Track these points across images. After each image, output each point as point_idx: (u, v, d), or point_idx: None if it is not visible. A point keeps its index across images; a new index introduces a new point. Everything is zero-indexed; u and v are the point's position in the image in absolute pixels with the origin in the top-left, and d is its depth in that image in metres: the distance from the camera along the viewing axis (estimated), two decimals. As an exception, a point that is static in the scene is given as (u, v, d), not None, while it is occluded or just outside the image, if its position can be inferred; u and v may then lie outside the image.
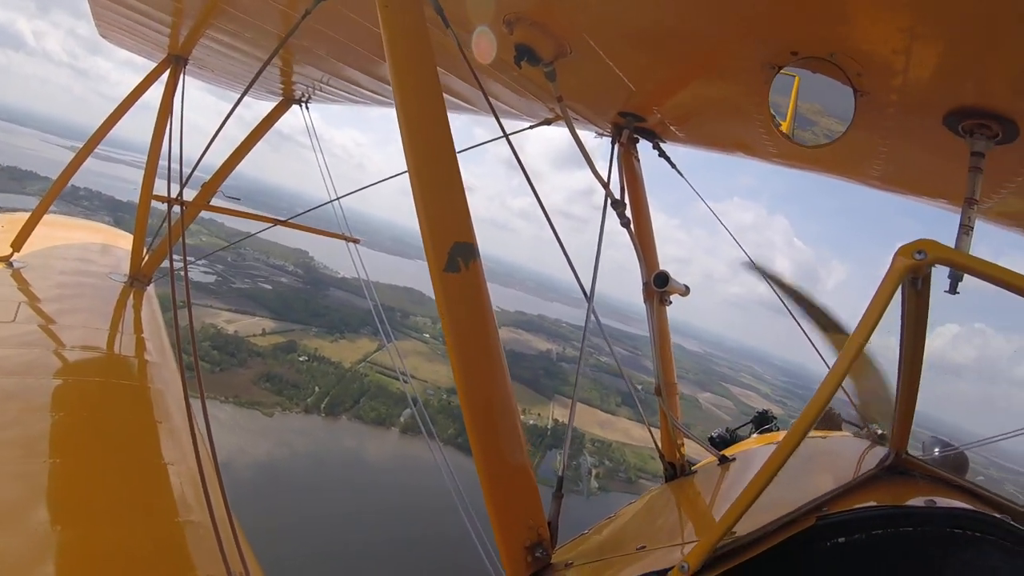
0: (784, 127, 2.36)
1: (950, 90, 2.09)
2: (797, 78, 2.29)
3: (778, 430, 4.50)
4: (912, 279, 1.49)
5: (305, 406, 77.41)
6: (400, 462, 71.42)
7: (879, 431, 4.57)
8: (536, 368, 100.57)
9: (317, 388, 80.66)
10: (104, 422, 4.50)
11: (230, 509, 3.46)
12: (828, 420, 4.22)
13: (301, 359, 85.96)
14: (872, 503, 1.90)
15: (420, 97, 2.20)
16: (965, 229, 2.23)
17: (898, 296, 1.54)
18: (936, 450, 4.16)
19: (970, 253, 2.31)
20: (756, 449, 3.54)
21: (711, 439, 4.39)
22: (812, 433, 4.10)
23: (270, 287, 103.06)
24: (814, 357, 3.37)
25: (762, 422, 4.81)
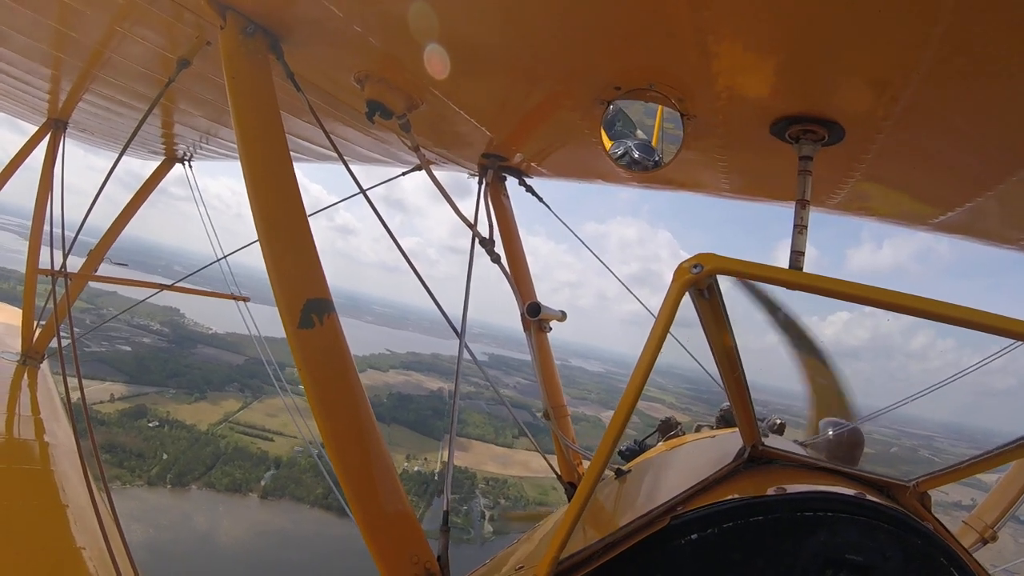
0: (621, 156, 2.52)
1: (771, 102, 2.24)
2: (632, 108, 2.46)
3: (683, 434, 4.66)
4: (697, 290, 1.57)
5: (148, 478, 67.29)
6: (258, 535, 63.89)
7: (778, 421, 4.77)
8: (423, 409, 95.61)
9: (165, 456, 71.41)
10: (10, 510, 4.26)
11: None
12: (727, 419, 4.39)
13: (151, 425, 76.23)
14: (729, 497, 1.92)
15: (267, 160, 2.24)
16: (799, 228, 2.39)
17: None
18: (830, 431, 4.39)
19: (802, 252, 2.52)
20: (654, 457, 3.65)
21: (620, 452, 4.50)
22: (705, 433, 4.22)
23: (129, 348, 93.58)
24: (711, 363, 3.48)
25: (667, 429, 4.97)
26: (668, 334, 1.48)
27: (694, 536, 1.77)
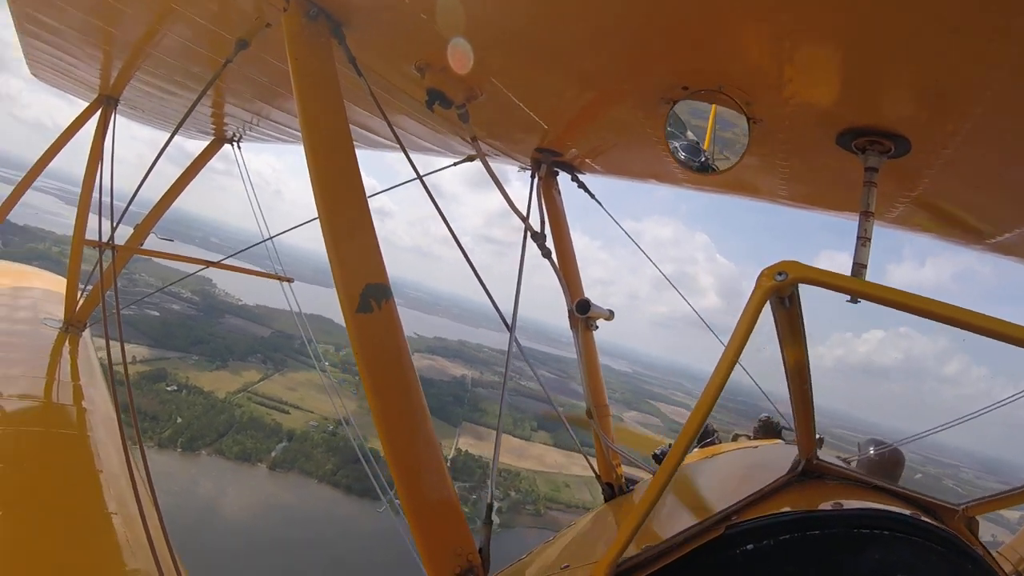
0: (684, 157, 2.48)
1: (839, 112, 2.21)
2: (697, 109, 2.42)
3: (720, 442, 4.61)
4: (778, 298, 1.55)
5: (159, 440, 67.86)
6: (263, 507, 64.12)
7: (817, 436, 4.72)
8: (444, 395, 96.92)
9: (179, 420, 72.58)
10: (45, 474, 4.37)
11: (176, 556, 3.38)
12: (767, 428, 4.35)
13: (168, 389, 77.48)
14: (784, 509, 1.93)
15: (329, 144, 2.25)
16: (863, 241, 2.37)
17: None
18: (871, 449, 4.33)
19: (865, 264, 2.47)
20: (694, 464, 3.62)
21: (655, 455, 4.48)
22: (746, 443, 4.20)
23: (157, 314, 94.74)
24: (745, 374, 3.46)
25: (703, 436, 4.92)
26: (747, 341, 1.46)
27: (749, 546, 1.76)
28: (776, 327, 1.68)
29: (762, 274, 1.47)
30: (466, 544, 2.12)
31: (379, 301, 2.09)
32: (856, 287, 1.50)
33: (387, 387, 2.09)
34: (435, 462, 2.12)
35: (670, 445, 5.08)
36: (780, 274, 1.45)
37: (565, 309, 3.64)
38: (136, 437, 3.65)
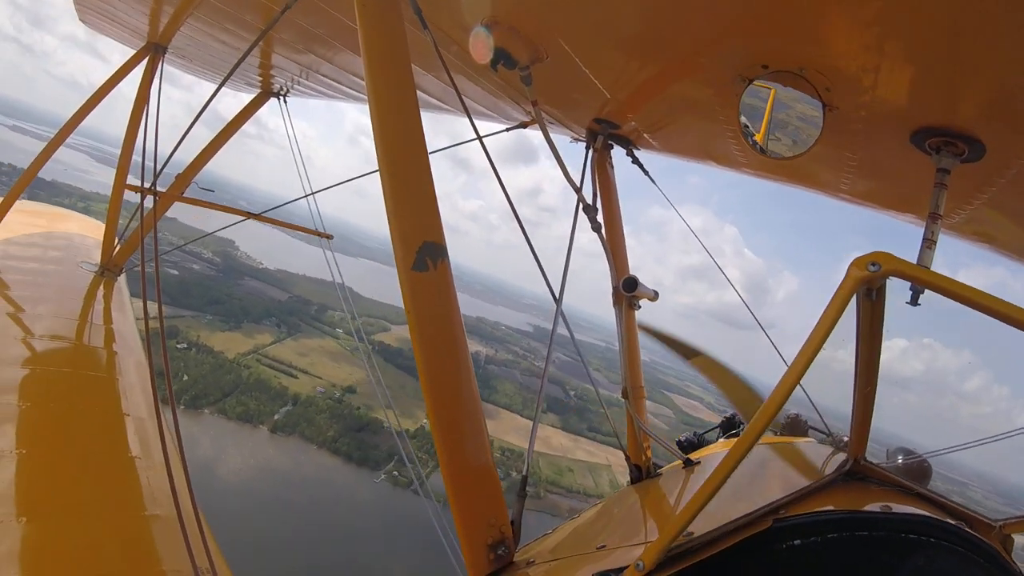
0: (757, 138, 2.40)
1: (917, 108, 2.15)
2: (772, 91, 2.33)
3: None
4: (867, 290, 1.51)
5: (162, 396, 69.54)
6: (259, 469, 64.02)
7: (844, 438, 4.66)
8: None
9: (185, 377, 72.80)
10: (71, 414, 4.44)
11: (196, 504, 3.43)
12: (794, 426, 4.30)
13: (179, 346, 77.19)
14: (829, 507, 1.93)
15: (394, 97, 2.20)
16: (928, 243, 2.30)
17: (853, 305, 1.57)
18: (900, 458, 4.27)
19: (929, 267, 2.39)
20: (722, 453, 3.59)
21: (679, 443, 4.45)
22: (776, 439, 4.15)
23: (176, 272, 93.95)
24: (762, 368, 3.40)
25: (730, 427, 4.88)
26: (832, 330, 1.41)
27: (796, 542, 1.73)
28: (857, 320, 1.64)
29: (853, 263, 1.42)
30: (500, 515, 2.11)
31: (435, 260, 2.06)
32: (946, 285, 1.43)
33: (436, 347, 2.07)
34: (478, 427, 2.10)
35: (695, 433, 5.05)
36: (873, 264, 1.40)
37: (586, 291, 3.58)
38: (167, 384, 3.69)
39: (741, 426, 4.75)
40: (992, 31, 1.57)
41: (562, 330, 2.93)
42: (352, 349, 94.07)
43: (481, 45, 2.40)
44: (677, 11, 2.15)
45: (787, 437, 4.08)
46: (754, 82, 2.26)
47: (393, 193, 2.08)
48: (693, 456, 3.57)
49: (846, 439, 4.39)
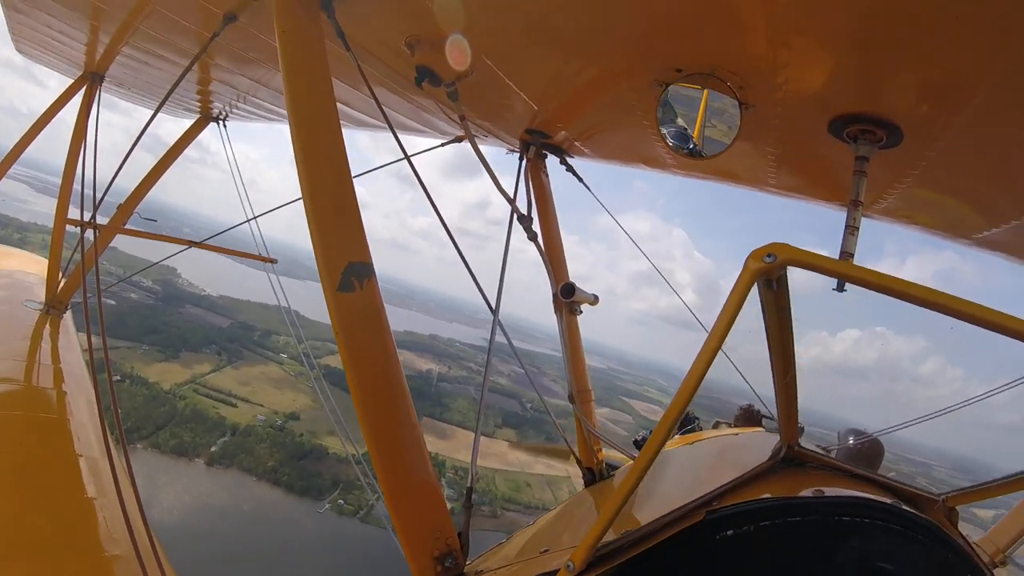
0: (675, 141, 2.46)
1: (832, 99, 2.20)
2: (690, 92, 2.40)
3: (701, 429, 4.64)
4: (766, 281, 1.52)
5: (114, 432, 66.58)
6: (193, 507, 58.50)
7: (800, 426, 4.77)
8: None
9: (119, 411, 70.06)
10: (26, 458, 4.31)
11: (155, 542, 3.36)
12: (747, 417, 4.39)
13: (114, 379, 74.19)
14: (765, 495, 1.93)
15: (315, 119, 2.20)
16: (851, 230, 2.36)
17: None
18: (850, 439, 4.39)
19: (852, 253, 2.47)
20: (676, 450, 3.63)
21: (635, 442, 4.49)
22: (728, 431, 4.22)
23: (113, 302, 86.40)
24: (720, 367, 3.45)
25: (685, 423, 4.96)
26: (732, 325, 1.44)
27: (730, 532, 1.76)
28: (763, 311, 1.66)
29: (750, 256, 1.44)
30: (446, 527, 2.10)
31: (361, 280, 2.06)
32: (846, 271, 1.47)
33: (367, 367, 2.06)
34: (415, 444, 2.10)
35: (651, 432, 5.11)
36: (769, 255, 1.42)
37: (538, 304, 3.63)
38: (117, 424, 3.61)
39: (696, 421, 4.83)
40: (900, 19, 1.62)
41: (521, 343, 2.94)
42: (297, 374, 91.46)
43: (459, 53, 2.39)
44: (592, 22, 2.20)
45: (742, 428, 4.16)
46: (671, 85, 2.33)
47: (316, 215, 2.08)
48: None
49: (800, 425, 4.48)
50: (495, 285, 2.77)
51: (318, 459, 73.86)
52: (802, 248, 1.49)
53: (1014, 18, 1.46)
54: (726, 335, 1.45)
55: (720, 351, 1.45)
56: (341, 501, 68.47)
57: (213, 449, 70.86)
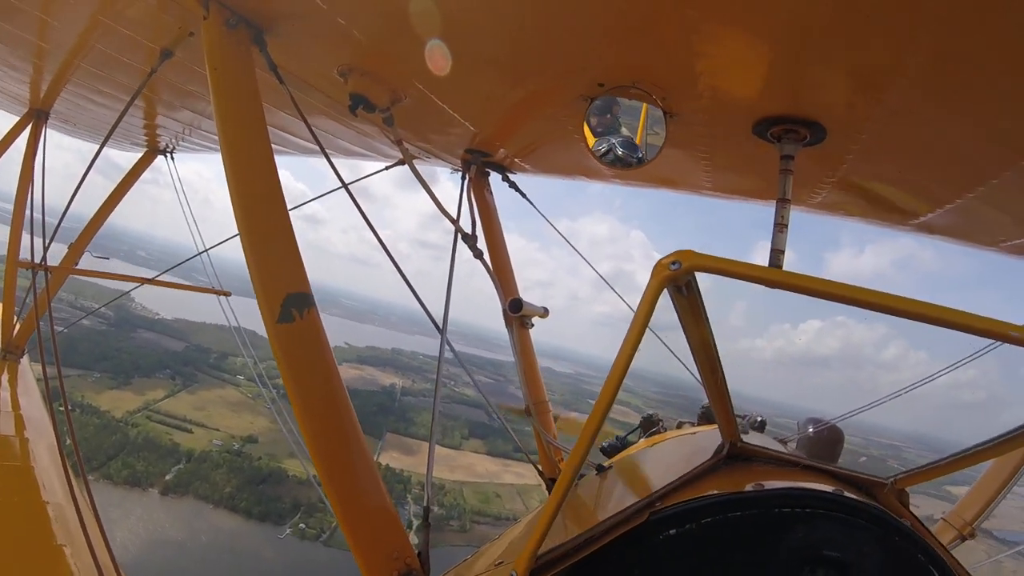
0: (605, 153, 2.53)
1: (754, 102, 2.27)
2: (613, 106, 2.47)
3: (664, 431, 4.71)
4: (675, 287, 1.56)
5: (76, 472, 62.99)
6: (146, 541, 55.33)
7: (759, 418, 4.83)
8: (368, 405, 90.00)
9: (68, 442, 65.42)
10: None
11: None
12: (710, 416, 4.44)
13: (60, 408, 71.22)
14: (710, 492, 1.93)
15: (247, 155, 2.23)
16: (780, 227, 2.43)
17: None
18: (810, 428, 4.48)
19: (782, 250, 2.54)
20: (635, 453, 3.68)
21: (602, 449, 4.53)
22: (686, 431, 4.25)
23: (63, 329, 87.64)
24: (680, 365, 3.48)
25: (648, 426, 5.01)
26: (647, 331, 1.49)
27: (672, 531, 1.78)
28: (677, 315, 1.71)
29: (657, 264, 1.49)
30: (403, 548, 2.12)
31: (301, 310, 2.08)
32: (752, 273, 1.50)
33: (312, 396, 2.09)
34: (366, 468, 2.12)
35: (617, 437, 5.16)
36: (674, 263, 1.46)
37: (498, 312, 3.67)
38: (79, 467, 3.57)
39: (659, 423, 4.88)
40: (811, 20, 1.67)
41: (482, 352, 2.97)
42: (255, 396, 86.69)
43: (439, 58, 2.41)
44: (516, 43, 2.26)
45: (704, 427, 4.19)
46: (595, 100, 2.40)
47: (252, 248, 2.10)
48: (616, 458, 3.63)
49: (760, 419, 4.54)
50: (455, 295, 2.79)
51: (277, 482, 71.50)
52: (707, 253, 1.55)
53: (923, 12, 1.52)
54: (639, 341, 1.50)
55: (636, 350, 1.50)
56: (302, 525, 66.30)
57: (168, 478, 68.16)
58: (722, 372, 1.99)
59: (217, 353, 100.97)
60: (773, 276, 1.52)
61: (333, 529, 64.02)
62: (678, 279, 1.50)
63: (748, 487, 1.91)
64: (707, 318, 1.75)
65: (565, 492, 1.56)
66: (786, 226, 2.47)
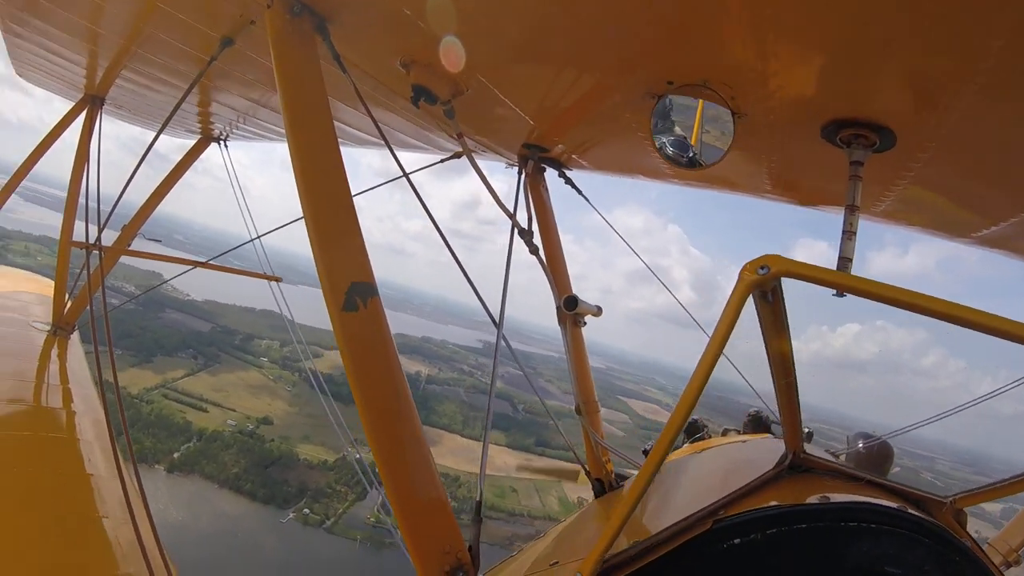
0: (670, 152, 2.48)
1: (824, 104, 2.22)
2: (684, 104, 2.42)
3: (709, 437, 4.63)
4: (761, 292, 1.54)
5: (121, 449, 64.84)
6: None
7: (806, 429, 4.74)
8: None
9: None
10: (36, 478, 4.37)
11: (168, 560, 3.39)
12: (755, 424, 4.38)
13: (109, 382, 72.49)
14: (772, 503, 1.94)
15: (313, 142, 2.24)
16: (848, 235, 2.37)
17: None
18: (860, 443, 4.37)
19: (850, 258, 2.47)
20: (684, 458, 3.63)
21: (645, 451, 4.48)
22: (735, 438, 4.20)
23: (113, 307, 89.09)
24: (725, 367, 3.46)
25: (693, 431, 4.94)
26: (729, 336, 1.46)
27: (737, 541, 1.76)
28: (759, 321, 1.67)
29: (744, 268, 1.46)
30: (455, 541, 2.11)
31: (364, 299, 2.09)
32: (839, 280, 1.48)
33: (373, 384, 2.09)
34: (423, 459, 2.12)
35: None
36: (762, 268, 1.44)
37: (535, 305, 3.64)
38: (126, 440, 3.66)
39: (704, 429, 4.81)
40: (884, 23, 1.63)
41: (519, 345, 2.95)
42: (276, 379, 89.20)
43: (453, 55, 2.42)
44: (584, 38, 2.23)
45: (751, 435, 4.14)
46: (663, 98, 2.35)
47: (319, 236, 2.11)
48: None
49: (808, 430, 4.45)
50: (490, 288, 2.78)
51: (287, 466, 71.32)
52: (795, 259, 1.51)
53: (997, 15, 1.47)
54: (724, 346, 1.47)
55: (723, 356, 1.47)
56: (307, 511, 65.75)
57: (175, 456, 68.23)
58: (796, 383, 1.95)
59: (243, 335, 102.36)
60: (861, 285, 1.48)
61: (338, 516, 65.16)
62: (764, 284, 1.47)
63: (813, 499, 1.89)
64: (788, 327, 1.71)
65: (638, 499, 1.54)
66: (855, 233, 2.40)
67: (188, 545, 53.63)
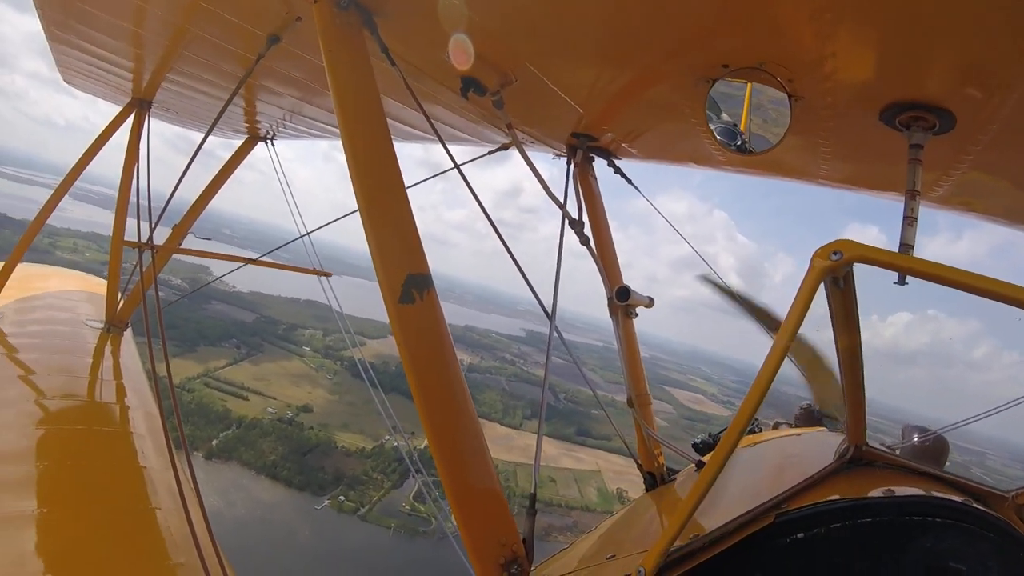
0: (724, 137, 2.43)
1: (882, 87, 2.15)
2: (737, 88, 2.37)
3: (760, 431, 4.54)
4: (833, 279, 1.51)
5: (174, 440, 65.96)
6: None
7: None
8: None
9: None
10: (90, 471, 4.52)
11: (220, 551, 3.48)
12: (807, 417, 4.29)
13: (164, 378, 73.91)
14: (834, 497, 1.92)
15: (367, 136, 2.25)
16: (909, 220, 2.29)
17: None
18: (915, 436, 4.22)
19: (911, 244, 2.39)
20: (738, 451, 3.57)
21: (694, 445, 4.44)
22: (787, 431, 4.12)
23: (166, 305, 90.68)
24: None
25: None
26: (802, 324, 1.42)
27: (800, 535, 1.74)
28: (829, 309, 1.64)
29: (816, 254, 1.43)
30: (511, 534, 2.12)
31: (421, 291, 2.10)
32: (914, 265, 1.44)
33: (430, 376, 2.11)
34: (479, 451, 2.13)
35: (710, 435, 5.04)
36: (835, 253, 1.40)
37: (578, 293, 3.62)
38: (180, 434, 3.75)
39: (756, 422, 4.71)
40: (942, 3, 1.58)
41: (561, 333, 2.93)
42: (318, 367, 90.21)
43: (460, 52, 2.42)
44: (634, 23, 2.19)
45: (803, 428, 4.07)
46: (718, 81, 2.30)
47: (373, 229, 2.13)
48: (708, 457, 3.55)
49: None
50: (533, 276, 2.77)
51: (324, 454, 72.01)
52: (867, 244, 1.46)
53: None
54: (795, 335, 1.43)
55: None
56: (342, 498, 66.22)
57: (214, 443, 69.26)
58: (863, 374, 1.90)
59: (286, 325, 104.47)
60: (935, 271, 1.43)
61: (373, 504, 66.01)
62: (837, 271, 1.44)
63: (877, 493, 1.87)
64: (858, 315, 1.67)
65: (704, 493, 1.52)
66: (915, 219, 2.32)
67: (221, 531, 54.86)
